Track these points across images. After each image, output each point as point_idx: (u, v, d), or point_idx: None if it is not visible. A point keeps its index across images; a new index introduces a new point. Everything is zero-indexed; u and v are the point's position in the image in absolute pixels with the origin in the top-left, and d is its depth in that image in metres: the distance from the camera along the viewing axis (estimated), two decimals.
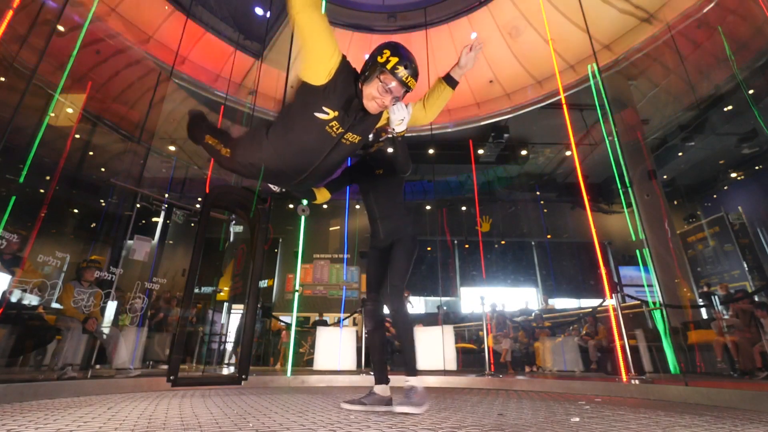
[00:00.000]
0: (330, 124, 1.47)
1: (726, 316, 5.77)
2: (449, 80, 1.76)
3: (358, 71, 1.56)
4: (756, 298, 5.62)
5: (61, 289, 3.97)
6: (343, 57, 1.48)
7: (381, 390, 2.04)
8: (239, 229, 6.82)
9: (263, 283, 12.91)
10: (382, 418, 1.76)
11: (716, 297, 6.65)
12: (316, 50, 1.40)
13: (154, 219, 6.53)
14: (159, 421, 1.61)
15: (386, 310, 2.12)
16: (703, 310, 6.92)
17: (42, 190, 5.46)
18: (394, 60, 1.45)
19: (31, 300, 3.70)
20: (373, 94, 1.48)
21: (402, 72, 1.47)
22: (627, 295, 6.60)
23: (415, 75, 1.51)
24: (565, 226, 14.45)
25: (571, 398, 2.94)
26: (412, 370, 1.95)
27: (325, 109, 1.44)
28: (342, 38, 9.04)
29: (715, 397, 2.59)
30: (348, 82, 1.48)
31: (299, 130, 1.48)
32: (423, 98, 1.82)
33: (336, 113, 1.45)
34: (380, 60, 1.47)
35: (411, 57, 1.50)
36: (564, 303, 13.17)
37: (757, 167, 10.86)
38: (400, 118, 1.65)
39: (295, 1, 1.35)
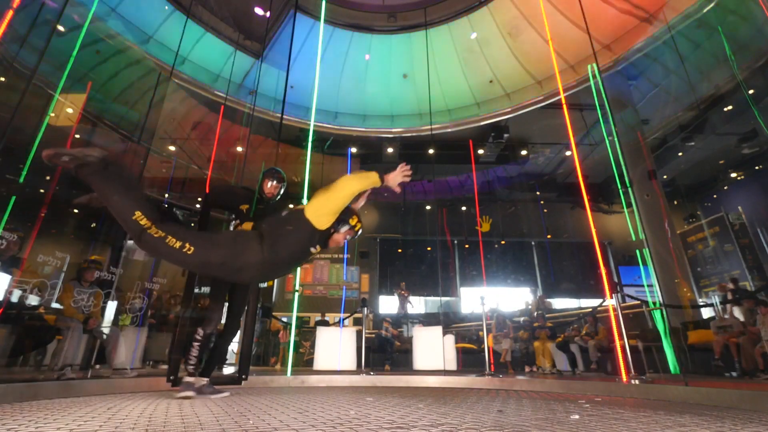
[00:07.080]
0: (314, 253, 2.27)
1: (726, 316, 5.77)
2: None
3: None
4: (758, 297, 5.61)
5: (61, 289, 3.97)
6: None
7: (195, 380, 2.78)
8: None
9: (263, 283, 12.87)
10: (381, 413, 1.76)
11: (715, 297, 6.64)
12: (337, 209, 2.15)
13: None
14: (159, 420, 1.61)
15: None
16: (703, 310, 6.91)
17: (42, 190, 5.45)
18: (359, 225, 2.31)
19: (32, 300, 3.70)
20: (338, 240, 2.28)
21: (359, 232, 2.35)
22: (627, 295, 6.59)
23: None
24: (565, 226, 14.44)
25: (572, 398, 2.94)
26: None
27: (317, 246, 2.22)
28: (342, 38, 9.05)
29: (715, 397, 2.59)
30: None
31: (293, 254, 2.19)
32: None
33: (319, 248, 2.25)
34: (352, 223, 2.27)
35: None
36: (564, 303, 13.16)
37: (757, 167, 10.86)
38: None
39: (355, 179, 2.13)
